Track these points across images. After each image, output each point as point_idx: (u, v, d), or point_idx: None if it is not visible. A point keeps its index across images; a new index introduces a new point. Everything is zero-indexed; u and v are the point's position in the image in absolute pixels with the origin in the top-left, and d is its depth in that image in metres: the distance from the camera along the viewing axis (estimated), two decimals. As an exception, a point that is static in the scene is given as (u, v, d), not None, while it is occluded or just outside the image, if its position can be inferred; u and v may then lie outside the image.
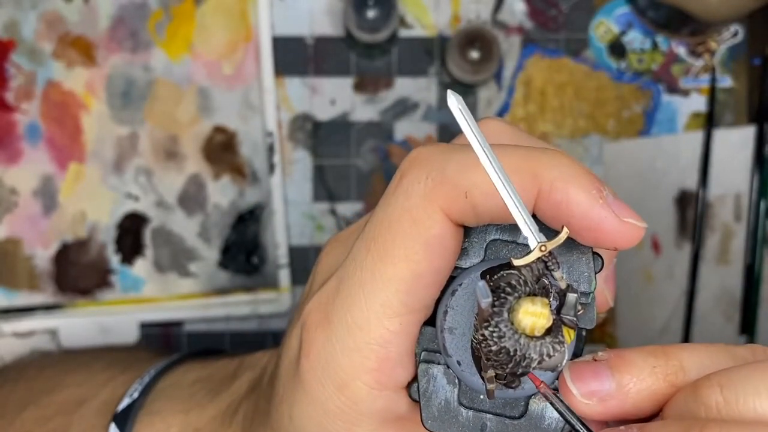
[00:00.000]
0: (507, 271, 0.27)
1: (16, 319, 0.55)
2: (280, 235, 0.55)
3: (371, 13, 0.53)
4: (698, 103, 0.56)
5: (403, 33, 0.56)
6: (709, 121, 0.56)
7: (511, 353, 0.27)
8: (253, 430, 0.36)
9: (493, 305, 0.27)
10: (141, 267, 0.56)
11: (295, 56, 0.56)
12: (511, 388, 0.28)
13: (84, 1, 0.55)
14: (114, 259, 0.56)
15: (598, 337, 0.56)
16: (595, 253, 0.30)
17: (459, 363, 0.29)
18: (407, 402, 0.31)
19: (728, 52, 0.56)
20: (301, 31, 0.56)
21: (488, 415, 0.30)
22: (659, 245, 0.56)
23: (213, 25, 0.56)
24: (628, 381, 0.28)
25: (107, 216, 0.55)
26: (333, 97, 0.56)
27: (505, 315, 0.27)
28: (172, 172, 0.56)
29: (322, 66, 0.56)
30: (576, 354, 0.31)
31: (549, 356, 0.27)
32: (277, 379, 0.34)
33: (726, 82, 0.56)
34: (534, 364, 0.27)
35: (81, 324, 0.55)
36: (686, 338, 0.56)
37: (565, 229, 0.27)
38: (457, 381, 0.31)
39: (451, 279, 0.30)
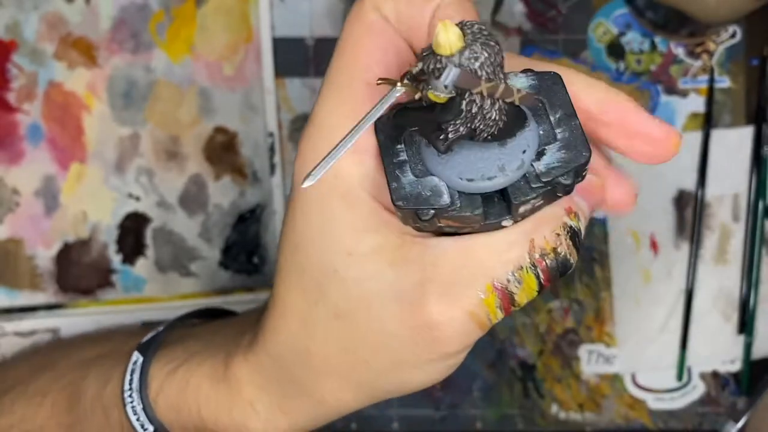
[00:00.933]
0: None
1: (17, 318, 0.55)
2: (281, 235, 0.56)
3: (371, 15, 0.53)
4: (696, 103, 0.57)
5: (403, 34, 0.56)
6: (708, 121, 0.56)
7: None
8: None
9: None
10: (142, 267, 0.56)
11: (295, 57, 0.56)
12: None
13: (85, 2, 0.56)
14: (115, 259, 0.56)
15: (597, 336, 0.56)
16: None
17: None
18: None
19: (726, 52, 0.57)
20: (301, 32, 0.56)
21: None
22: (657, 245, 0.56)
23: (214, 27, 0.56)
24: None
25: (108, 216, 0.56)
26: (333, 97, 0.56)
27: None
28: (173, 172, 0.56)
29: (322, 67, 0.56)
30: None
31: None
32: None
33: (724, 82, 0.57)
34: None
35: (82, 324, 0.55)
36: (685, 338, 0.56)
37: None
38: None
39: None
